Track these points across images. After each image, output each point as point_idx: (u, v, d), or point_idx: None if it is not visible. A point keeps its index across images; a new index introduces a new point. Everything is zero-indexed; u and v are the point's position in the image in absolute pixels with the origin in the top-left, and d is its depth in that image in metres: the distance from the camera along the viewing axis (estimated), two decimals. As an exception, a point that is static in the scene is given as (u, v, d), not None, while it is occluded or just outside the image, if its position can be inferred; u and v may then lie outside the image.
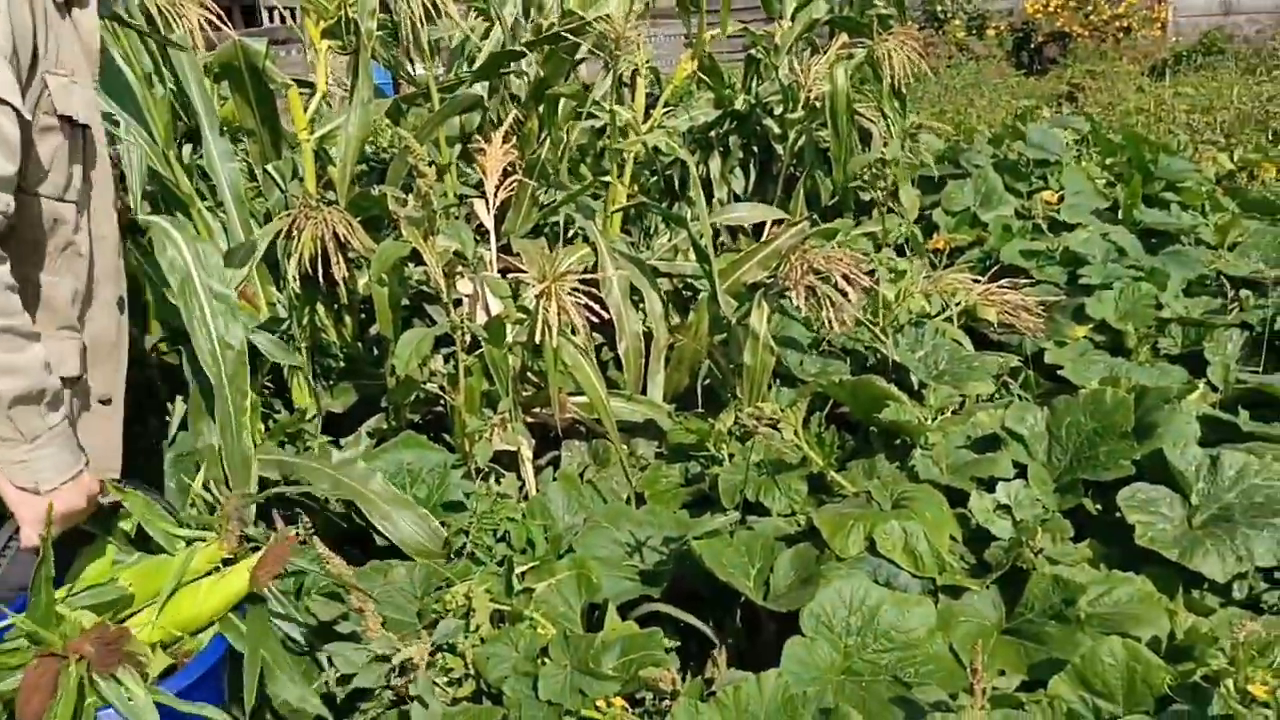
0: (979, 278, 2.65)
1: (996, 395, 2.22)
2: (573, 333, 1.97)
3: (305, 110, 2.32)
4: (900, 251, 3.12)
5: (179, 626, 1.30)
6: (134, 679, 1.14)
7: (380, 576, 1.72)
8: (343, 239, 1.98)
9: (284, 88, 2.43)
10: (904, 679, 1.34)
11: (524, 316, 2.06)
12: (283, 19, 2.87)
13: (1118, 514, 1.59)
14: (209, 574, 1.36)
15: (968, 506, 1.64)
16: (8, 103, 1.09)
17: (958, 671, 1.36)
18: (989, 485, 1.67)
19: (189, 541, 1.40)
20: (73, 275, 1.31)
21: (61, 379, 1.26)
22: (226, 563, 1.37)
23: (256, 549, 1.39)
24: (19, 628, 1.16)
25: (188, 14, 2.13)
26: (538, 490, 2.09)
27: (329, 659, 1.42)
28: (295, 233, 1.94)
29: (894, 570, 1.52)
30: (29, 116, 1.14)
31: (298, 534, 1.44)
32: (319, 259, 2.00)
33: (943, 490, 1.67)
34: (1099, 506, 1.69)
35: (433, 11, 2.34)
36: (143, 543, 1.42)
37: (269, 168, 2.41)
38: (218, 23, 2.24)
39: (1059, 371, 2.28)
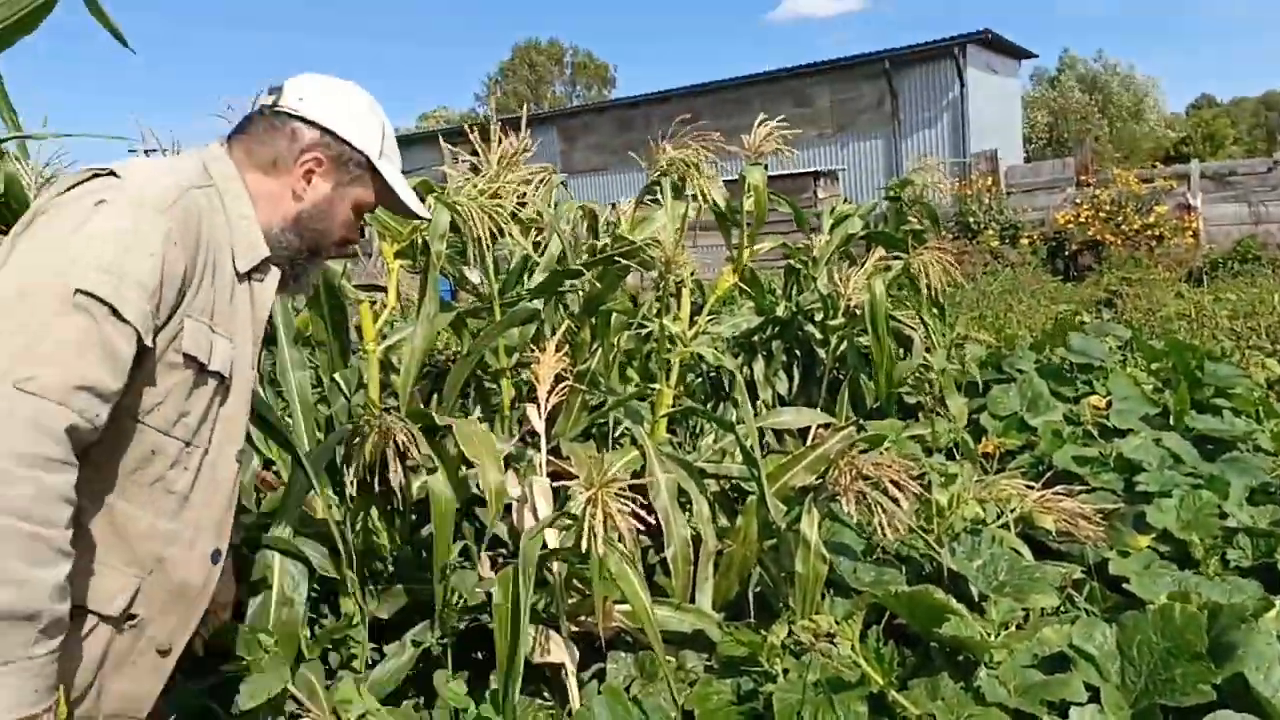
0: (1033, 484, 2.62)
1: (1062, 608, 2.14)
2: (619, 540, 1.97)
3: (375, 322, 2.47)
4: (950, 456, 3.12)
5: None
6: None
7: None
8: (402, 447, 2.04)
9: (356, 302, 2.60)
10: None
11: (570, 522, 2.07)
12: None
13: (1204, 745, 1.48)
14: None
15: (1040, 733, 1.55)
16: (129, 323, 1.14)
17: None
18: (1061, 709, 1.58)
19: None
20: (155, 511, 1.28)
21: (100, 614, 1.23)
22: None
23: None
24: None
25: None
26: (581, 704, 2.02)
27: None
28: (358, 439, 2.02)
29: (966, 804, 1.42)
30: (149, 344, 1.18)
31: None
32: (377, 466, 2.06)
33: (1011, 714, 1.59)
34: (1182, 735, 1.58)
35: (496, 233, 2.53)
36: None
37: (336, 376, 2.53)
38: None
39: (1125, 584, 2.20)
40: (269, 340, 2.52)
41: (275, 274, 1.43)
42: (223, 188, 1.36)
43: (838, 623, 1.74)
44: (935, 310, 3.78)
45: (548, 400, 2.55)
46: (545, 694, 2.17)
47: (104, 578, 1.23)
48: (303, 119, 1.42)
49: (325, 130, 1.43)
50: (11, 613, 1.04)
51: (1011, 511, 2.52)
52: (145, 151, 2.57)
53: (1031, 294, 8.07)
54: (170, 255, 1.20)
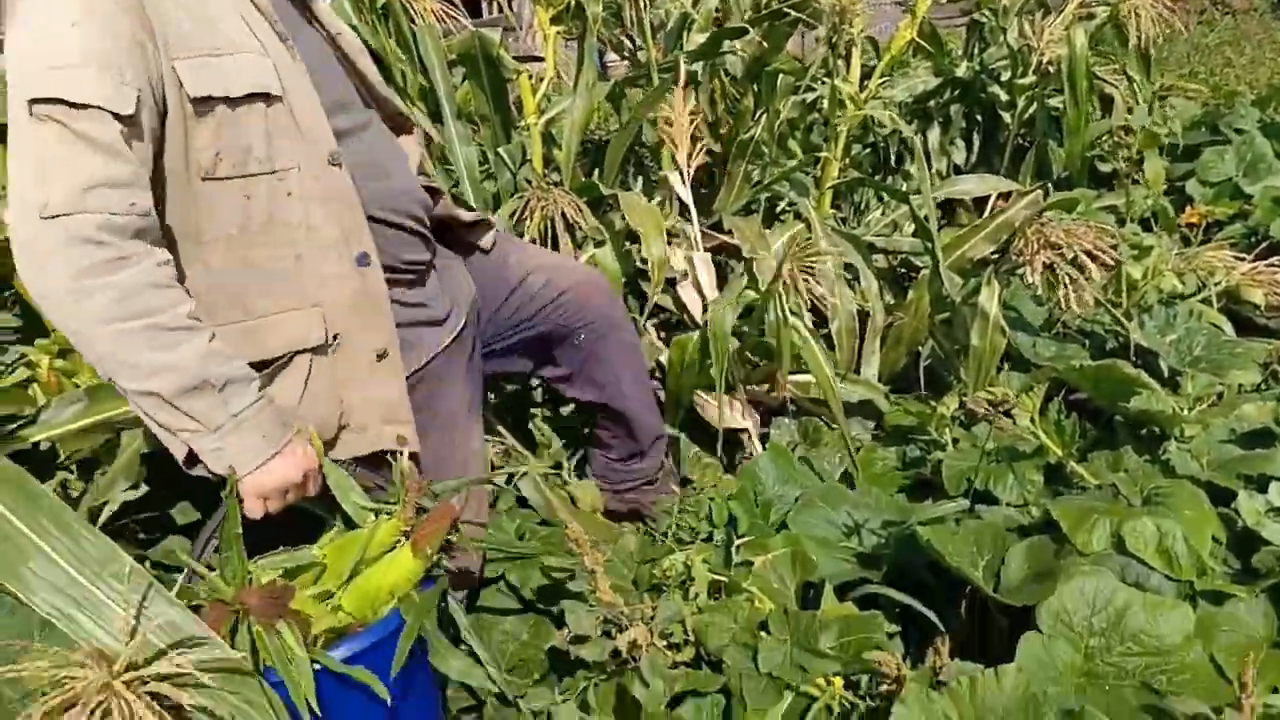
0: (1243, 255, 2.38)
1: (1264, 386, 1.99)
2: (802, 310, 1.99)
3: (534, 95, 2.42)
4: (1146, 226, 2.86)
5: (362, 602, 1.23)
6: (294, 637, 1.11)
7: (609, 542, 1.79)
8: (570, 220, 2.06)
9: (515, 74, 2.55)
10: (1154, 686, 1.23)
11: (754, 295, 2.07)
12: (501, 9, 3.00)
13: None
14: (393, 548, 1.28)
15: (1233, 506, 1.48)
16: (92, 105, 1.08)
17: (1218, 684, 1.23)
18: (1260, 484, 1.50)
19: (378, 514, 1.32)
20: (290, 245, 1.28)
21: (308, 349, 1.31)
22: (406, 535, 1.28)
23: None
24: (207, 580, 1.18)
25: (425, 3, 2.29)
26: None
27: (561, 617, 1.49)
28: (528, 214, 2.04)
29: (1144, 571, 1.40)
30: (132, 110, 1.11)
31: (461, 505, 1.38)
32: (546, 239, 2.10)
33: (1203, 487, 1.52)
34: (1396, 516, 1.48)
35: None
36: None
37: (500, 150, 2.54)
38: (452, 12, 2.39)
39: (1342, 361, 2.01)
40: (434, 118, 2.53)
41: None
42: None
43: (1015, 395, 1.69)
44: (1142, 64, 3.33)
45: (689, 165, 2.45)
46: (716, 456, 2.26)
47: (291, 322, 1.30)
48: None
49: None
50: (184, 390, 1.15)
51: (1215, 285, 2.32)
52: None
53: (1256, 44, 6.98)
54: (100, 14, 1.10)
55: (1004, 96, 3.46)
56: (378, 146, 1.44)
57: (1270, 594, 1.36)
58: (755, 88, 2.86)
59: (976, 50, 3.64)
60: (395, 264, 1.42)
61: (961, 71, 3.53)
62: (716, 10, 2.91)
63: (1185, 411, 1.72)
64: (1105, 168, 3.35)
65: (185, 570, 1.28)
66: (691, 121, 2.26)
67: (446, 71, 2.48)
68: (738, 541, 1.70)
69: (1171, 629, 1.28)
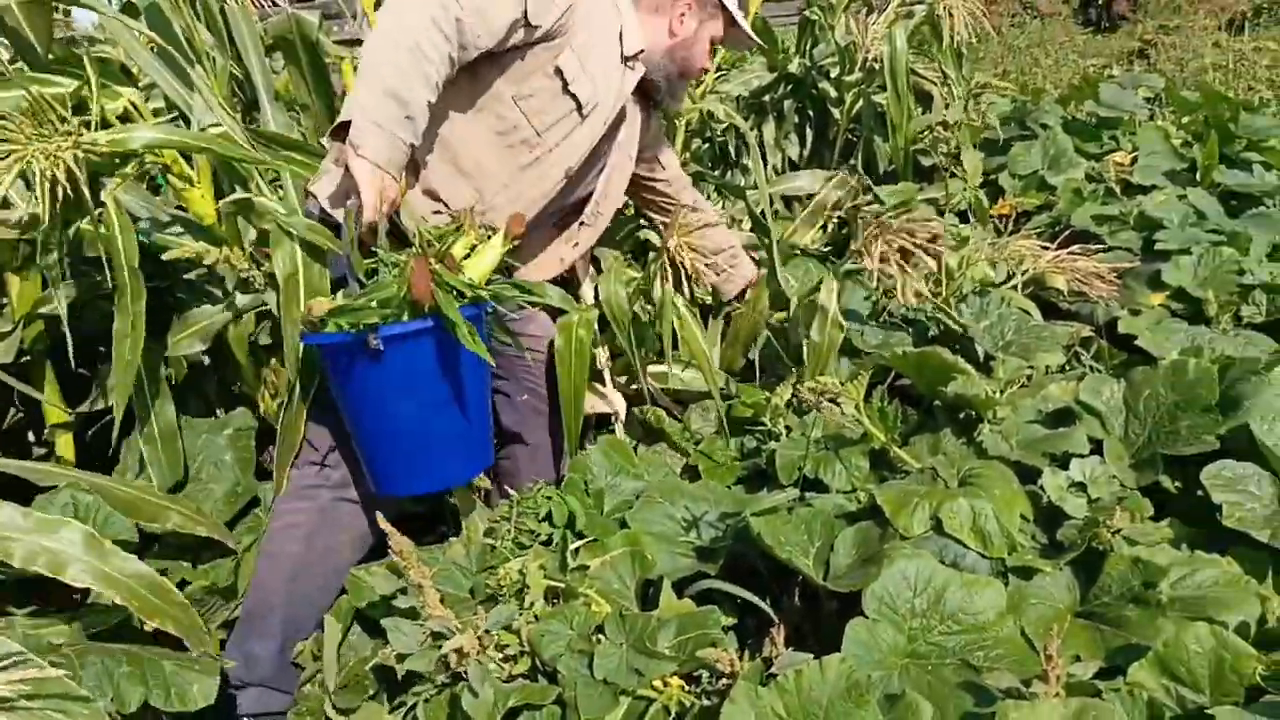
0: (1048, 244, 2.54)
1: (1068, 367, 2.13)
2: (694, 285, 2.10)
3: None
4: (964, 218, 3.02)
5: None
6: (468, 279, 1.60)
7: (439, 554, 1.72)
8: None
9: (338, 60, 2.41)
10: (972, 663, 1.28)
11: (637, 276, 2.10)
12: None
13: (1200, 493, 1.50)
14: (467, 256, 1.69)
15: (1039, 484, 1.57)
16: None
17: (1030, 657, 1.30)
18: (1063, 462, 1.60)
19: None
20: (503, 167, 1.85)
21: (449, 208, 1.82)
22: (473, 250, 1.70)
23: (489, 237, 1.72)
24: (382, 256, 1.64)
25: (242, -13, 2.13)
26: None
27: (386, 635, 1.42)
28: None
29: (961, 550, 1.46)
30: (531, 23, 1.72)
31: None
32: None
33: (1013, 467, 1.60)
34: (1179, 484, 1.60)
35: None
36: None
37: (323, 140, 2.39)
38: (271, -4, 2.25)
39: (1135, 342, 2.17)
40: (251, 107, 2.38)
41: (640, 70, 1.95)
42: (618, 4, 1.91)
43: (843, 383, 1.72)
44: (956, 61, 3.52)
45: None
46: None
47: (465, 190, 1.84)
48: None
49: None
50: (395, 92, 1.58)
51: (1024, 273, 2.46)
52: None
53: (1060, 47, 7.56)
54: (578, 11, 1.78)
55: (833, 93, 3.58)
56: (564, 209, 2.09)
57: (1074, 566, 1.44)
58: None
59: (808, 47, 3.74)
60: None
61: (794, 68, 3.62)
62: None
63: (997, 394, 1.81)
64: (927, 161, 3.52)
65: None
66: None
67: (263, 57, 2.32)
68: (575, 544, 1.66)
69: (986, 606, 1.34)
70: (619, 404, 2.25)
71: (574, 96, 1.83)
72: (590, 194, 2.08)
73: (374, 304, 1.56)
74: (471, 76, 1.78)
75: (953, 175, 3.24)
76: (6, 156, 1.48)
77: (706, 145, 3.71)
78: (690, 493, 1.79)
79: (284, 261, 1.82)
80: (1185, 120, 3.65)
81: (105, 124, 1.73)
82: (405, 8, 1.62)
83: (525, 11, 1.70)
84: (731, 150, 3.69)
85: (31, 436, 2.24)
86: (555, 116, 1.84)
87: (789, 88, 3.69)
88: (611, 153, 2.05)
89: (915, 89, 3.46)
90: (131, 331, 1.75)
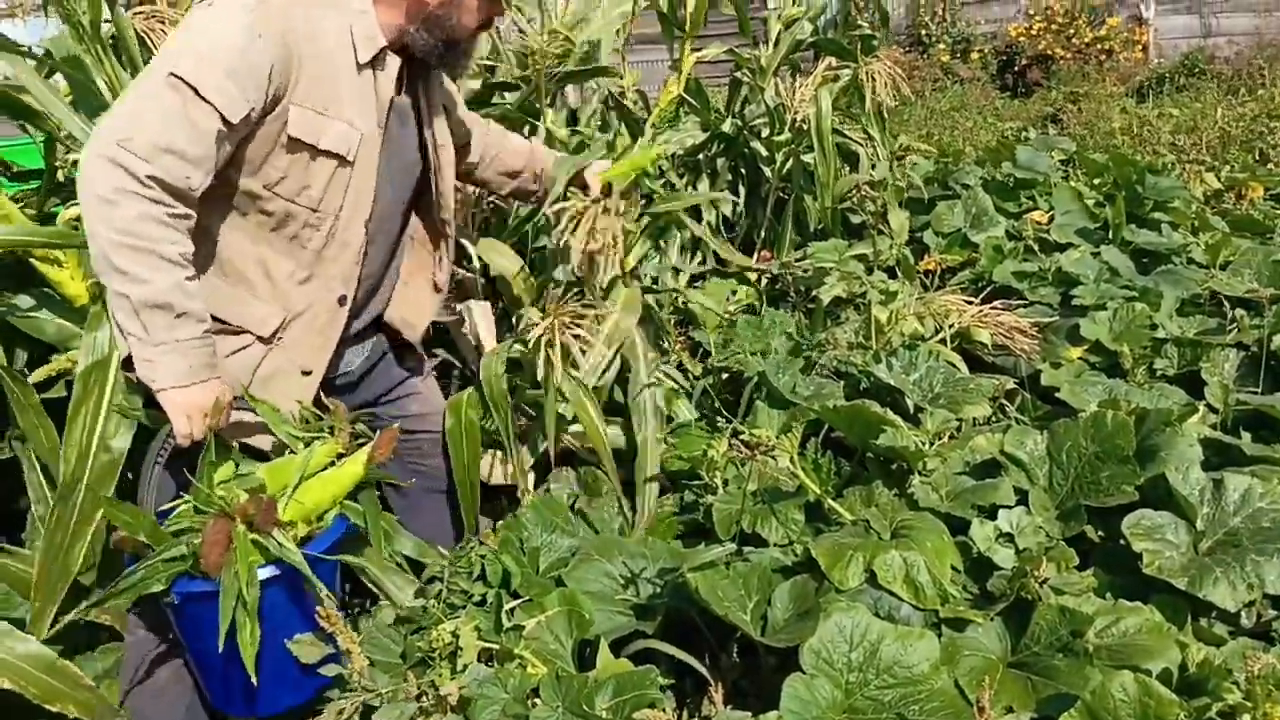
0: (972, 299, 2.63)
1: (993, 419, 2.19)
2: (573, 366, 1.96)
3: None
4: (891, 274, 3.10)
5: (307, 510, 1.53)
6: (286, 538, 1.43)
7: (368, 618, 1.67)
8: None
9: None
10: (908, 717, 1.29)
11: (523, 349, 2.03)
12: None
13: (1122, 541, 1.55)
14: (328, 467, 1.59)
15: (969, 535, 1.60)
16: (209, 102, 1.40)
17: (964, 708, 1.30)
18: (990, 513, 1.63)
19: (308, 443, 1.60)
20: (293, 261, 1.62)
21: (255, 334, 1.62)
22: (340, 458, 1.61)
23: (361, 444, 1.62)
24: (190, 501, 1.48)
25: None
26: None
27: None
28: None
29: (895, 602, 1.48)
30: (235, 121, 1.44)
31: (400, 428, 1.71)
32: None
33: (943, 518, 1.63)
34: (1102, 533, 1.65)
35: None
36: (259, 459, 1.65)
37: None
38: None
39: (1056, 394, 2.25)
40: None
41: (395, 62, 1.64)
42: None
43: (777, 435, 1.74)
44: (879, 123, 3.65)
45: (473, 217, 2.43)
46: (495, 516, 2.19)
47: (258, 308, 1.62)
48: None
49: None
50: (148, 302, 1.41)
51: (950, 327, 2.54)
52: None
53: (979, 111, 7.91)
54: (255, 46, 1.44)
55: (764, 152, 3.67)
56: (394, 235, 1.83)
57: (1004, 616, 1.46)
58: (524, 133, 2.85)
59: (739, 108, 3.85)
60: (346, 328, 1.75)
61: (727, 127, 3.72)
62: (488, 57, 2.90)
63: (926, 446, 1.85)
64: (856, 219, 3.63)
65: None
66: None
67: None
68: (510, 604, 1.63)
69: (920, 658, 1.35)
70: (522, 478, 2.18)
71: (328, 153, 1.57)
72: (431, 206, 1.86)
73: (160, 563, 1.41)
74: (213, 190, 1.51)
75: (880, 232, 3.34)
76: None
77: (644, 200, 3.76)
78: (627, 549, 1.77)
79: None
80: (1096, 181, 3.84)
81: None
82: (91, 202, 1.38)
83: (221, 116, 1.42)
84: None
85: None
86: (322, 181, 1.58)
87: (722, 146, 3.77)
88: (428, 156, 1.80)
89: (842, 149, 3.57)
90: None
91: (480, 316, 2.45)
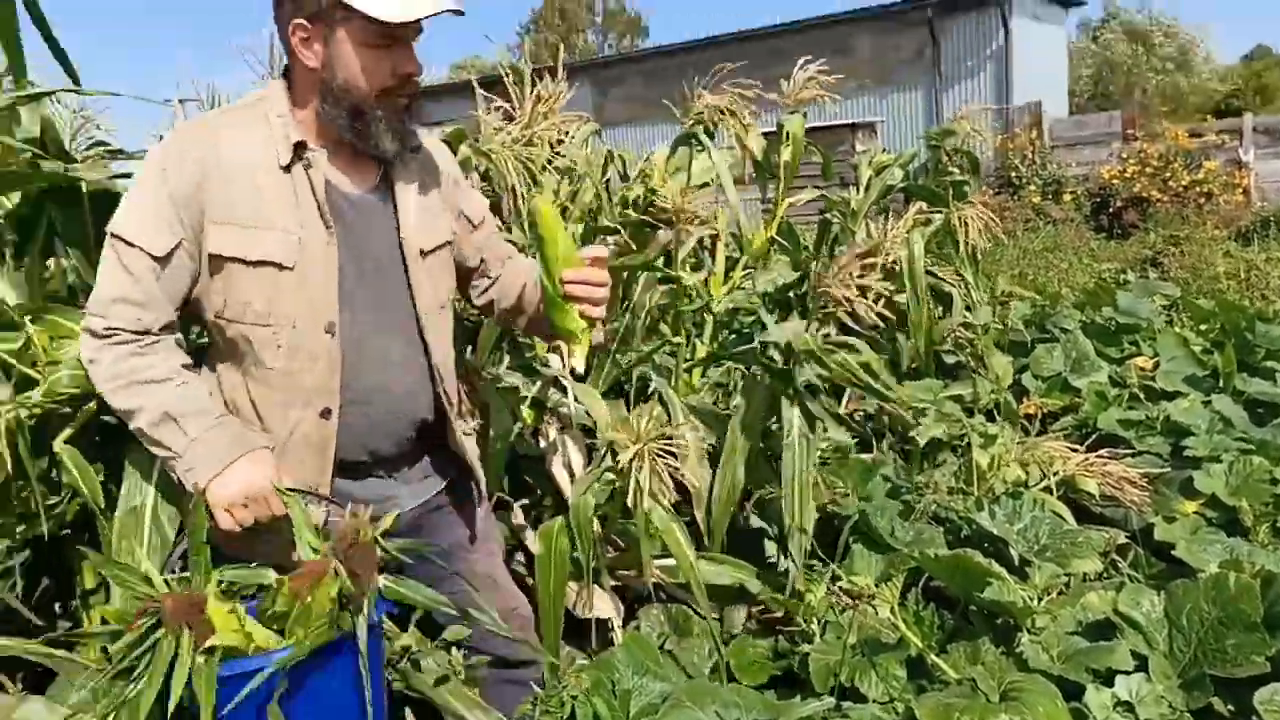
0: (1076, 446, 2.56)
1: (1104, 574, 2.09)
2: (662, 494, 1.95)
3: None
4: (990, 416, 3.05)
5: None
6: (187, 642, 1.23)
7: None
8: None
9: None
10: None
11: (613, 477, 2.04)
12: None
13: (1254, 717, 1.44)
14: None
15: (1084, 701, 1.51)
16: (133, 244, 1.43)
17: None
18: (1106, 678, 1.55)
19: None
20: (266, 385, 1.52)
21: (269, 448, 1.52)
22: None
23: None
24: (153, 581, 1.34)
25: None
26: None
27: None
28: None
29: (1006, 772, 1.40)
30: (163, 254, 1.44)
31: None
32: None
33: (1055, 681, 1.55)
34: (1232, 708, 1.54)
35: (530, 182, 2.47)
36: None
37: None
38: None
39: (1171, 551, 2.14)
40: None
41: (321, 154, 1.52)
42: (267, 100, 1.52)
43: (875, 583, 1.71)
44: (973, 267, 3.67)
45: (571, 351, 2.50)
46: (585, 648, 2.17)
47: (259, 433, 1.53)
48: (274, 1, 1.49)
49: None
50: (153, 422, 1.43)
51: (1054, 475, 2.47)
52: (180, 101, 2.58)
53: (1074, 252, 7.86)
54: (164, 179, 1.44)
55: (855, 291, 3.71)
56: (383, 339, 1.59)
57: (1126, 793, 1.37)
58: (624, 277, 2.97)
59: (829, 248, 3.93)
60: (355, 445, 1.60)
61: (817, 266, 3.79)
62: (590, 203, 3.06)
63: (1034, 602, 1.78)
64: (950, 359, 3.60)
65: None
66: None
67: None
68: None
69: (1036, 836, 1.26)
70: (613, 609, 2.17)
71: (262, 263, 1.46)
72: (412, 318, 1.62)
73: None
74: (205, 333, 1.54)
75: (977, 374, 3.30)
76: None
77: (733, 335, 3.83)
78: (721, 697, 1.73)
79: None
80: (1202, 327, 3.74)
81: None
82: (87, 370, 1.47)
83: (148, 254, 1.43)
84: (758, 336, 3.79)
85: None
86: (264, 293, 1.47)
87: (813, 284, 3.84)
88: (400, 250, 1.59)
89: (935, 290, 3.59)
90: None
91: (573, 446, 2.50)
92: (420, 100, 1.56)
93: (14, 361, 1.62)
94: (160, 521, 1.66)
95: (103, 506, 1.64)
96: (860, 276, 2.31)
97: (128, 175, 1.91)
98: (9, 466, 1.56)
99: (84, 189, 1.75)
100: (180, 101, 2.57)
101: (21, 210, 1.75)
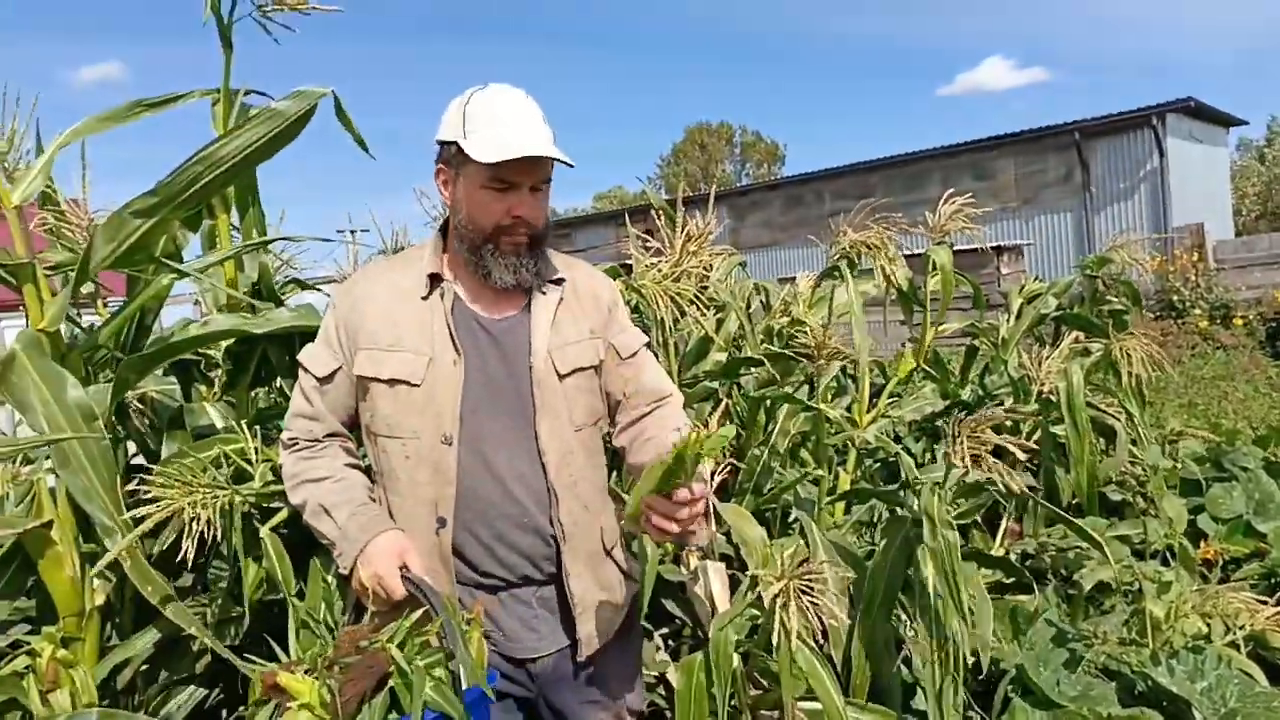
0: (1264, 598, 2.34)
1: (1308, 747, 1.87)
2: (811, 634, 1.90)
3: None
4: (1164, 561, 2.84)
5: None
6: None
7: None
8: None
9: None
10: None
11: (756, 613, 2.01)
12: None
13: None
14: None
15: None
16: (309, 371, 1.68)
17: None
18: None
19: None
20: (399, 495, 1.64)
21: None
22: None
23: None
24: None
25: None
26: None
27: None
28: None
29: None
30: (328, 376, 1.67)
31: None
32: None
33: None
34: None
35: (678, 314, 2.56)
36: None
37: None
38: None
39: (1388, 724, 1.90)
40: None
41: (458, 285, 1.68)
42: (423, 247, 1.73)
43: (1042, 743, 1.59)
44: (1138, 399, 3.49)
45: (713, 478, 2.53)
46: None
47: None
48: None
49: (436, 144, 1.66)
50: (314, 513, 1.62)
51: (1240, 629, 2.26)
52: (350, 233, 2.88)
53: (1248, 380, 7.32)
54: (331, 315, 1.70)
55: (1008, 423, 3.58)
56: (503, 455, 1.65)
57: None
58: (767, 404, 2.99)
59: (979, 376, 3.84)
60: (478, 560, 1.67)
61: (966, 395, 3.70)
62: (735, 334, 3.13)
63: (1227, 775, 1.61)
64: (1115, 496, 3.39)
65: None
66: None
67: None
68: None
69: None
70: None
71: (392, 380, 1.61)
72: (533, 438, 1.66)
73: None
74: None
75: (1148, 514, 3.09)
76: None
77: (877, 465, 3.75)
78: None
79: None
80: None
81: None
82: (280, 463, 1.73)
83: (314, 376, 1.67)
84: (903, 472, 3.70)
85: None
86: (391, 406, 1.62)
87: (962, 413, 3.73)
88: (529, 372, 1.66)
89: (1096, 423, 3.43)
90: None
91: (715, 576, 2.48)
92: (544, 239, 1.67)
93: (236, 457, 1.85)
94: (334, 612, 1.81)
95: (292, 592, 1.77)
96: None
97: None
98: (226, 544, 1.72)
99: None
100: (352, 233, 2.85)
101: (237, 347, 1.96)
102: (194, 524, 1.69)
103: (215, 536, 1.71)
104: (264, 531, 1.82)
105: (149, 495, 1.72)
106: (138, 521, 1.68)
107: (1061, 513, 2.96)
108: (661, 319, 2.48)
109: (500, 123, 1.56)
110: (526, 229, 1.62)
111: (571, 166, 1.61)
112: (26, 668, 1.51)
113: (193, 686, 1.95)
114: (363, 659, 1.32)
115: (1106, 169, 16.19)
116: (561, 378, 1.67)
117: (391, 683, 1.31)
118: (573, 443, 1.69)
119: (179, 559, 1.68)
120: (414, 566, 1.53)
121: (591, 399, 1.74)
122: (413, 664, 1.31)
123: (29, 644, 1.54)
